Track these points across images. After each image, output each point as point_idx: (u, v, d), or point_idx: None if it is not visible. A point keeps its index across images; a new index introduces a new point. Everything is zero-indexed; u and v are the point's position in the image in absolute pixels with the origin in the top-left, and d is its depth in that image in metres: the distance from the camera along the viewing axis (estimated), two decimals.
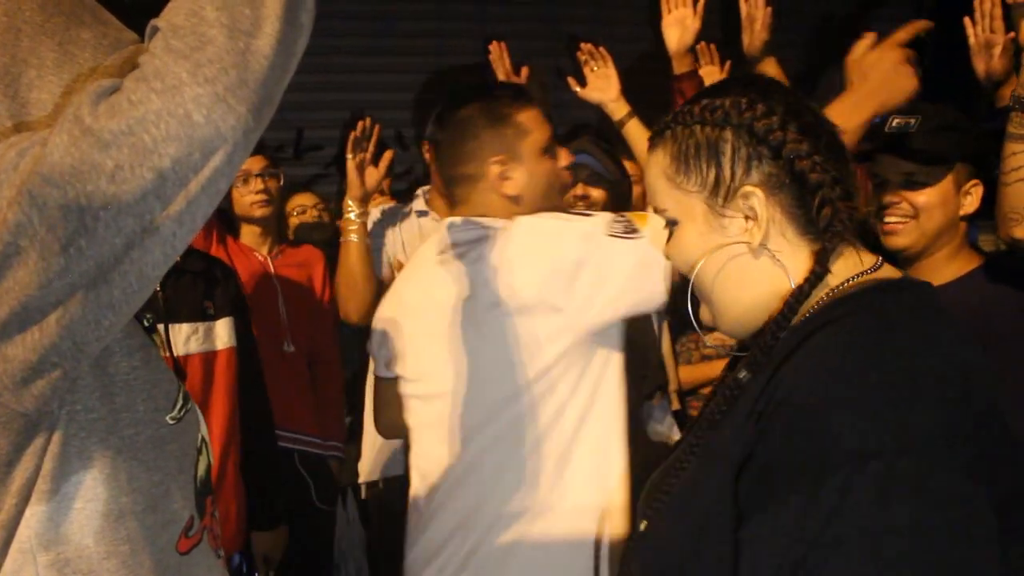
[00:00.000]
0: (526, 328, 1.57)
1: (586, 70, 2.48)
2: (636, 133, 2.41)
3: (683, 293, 1.06)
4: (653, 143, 1.06)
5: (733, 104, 0.98)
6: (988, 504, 0.81)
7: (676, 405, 2.74)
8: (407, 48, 3.83)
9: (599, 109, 2.48)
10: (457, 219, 1.68)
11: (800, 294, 0.96)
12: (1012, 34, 2.08)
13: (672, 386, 2.76)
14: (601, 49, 2.46)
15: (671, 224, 1.05)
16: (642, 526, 1.01)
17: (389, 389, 1.81)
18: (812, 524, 0.80)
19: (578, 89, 2.47)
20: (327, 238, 3.24)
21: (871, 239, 1.68)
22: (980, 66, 2.19)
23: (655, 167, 1.05)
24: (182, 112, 0.74)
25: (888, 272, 1.00)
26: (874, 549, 0.78)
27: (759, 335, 1.00)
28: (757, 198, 0.97)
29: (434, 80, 3.78)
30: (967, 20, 2.19)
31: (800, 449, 0.83)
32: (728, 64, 2.81)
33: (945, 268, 1.72)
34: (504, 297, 1.57)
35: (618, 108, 2.40)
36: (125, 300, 0.81)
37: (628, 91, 2.47)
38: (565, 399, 1.59)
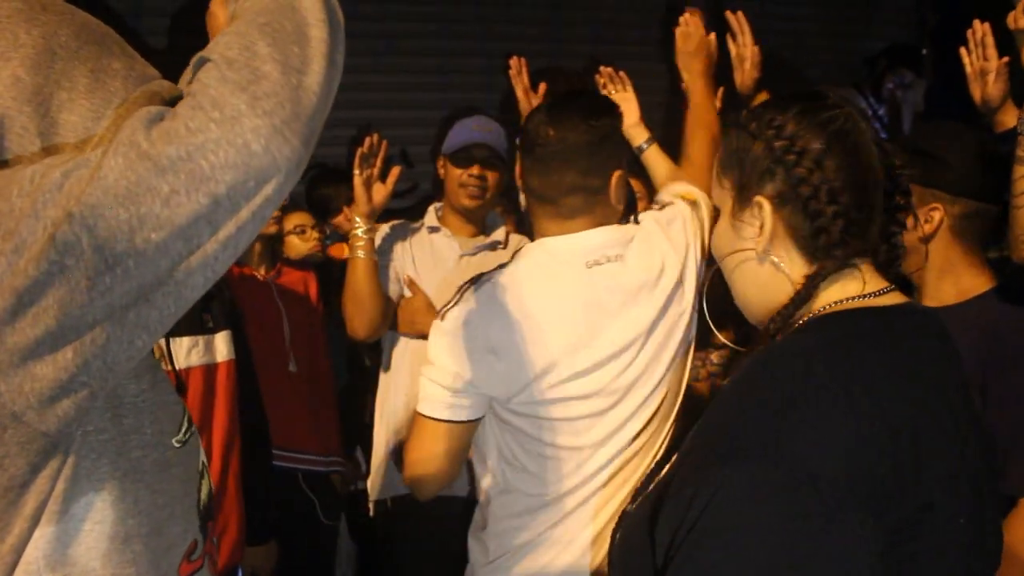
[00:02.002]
0: (678, 313, 1.67)
1: (604, 94, 2.47)
2: (655, 160, 2.38)
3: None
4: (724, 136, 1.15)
5: (767, 120, 1.05)
6: (861, 527, 0.85)
7: None
8: (411, 66, 3.85)
9: None
10: (597, 230, 1.65)
11: (785, 312, 1.03)
12: (1006, 59, 2.10)
13: None
14: (621, 73, 2.47)
15: (716, 210, 1.15)
16: (630, 507, 1.10)
17: (466, 430, 1.61)
18: (691, 513, 0.87)
19: None
20: (324, 256, 3.26)
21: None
22: (976, 93, 2.20)
23: (717, 158, 1.14)
24: (241, 142, 0.77)
25: (890, 299, 1.03)
26: (727, 545, 0.84)
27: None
28: (765, 209, 1.04)
29: (438, 98, 3.80)
30: (962, 50, 2.18)
31: (704, 443, 0.93)
32: (721, 91, 2.83)
33: (941, 290, 1.73)
34: (668, 290, 1.66)
35: (638, 134, 2.36)
36: (161, 321, 0.83)
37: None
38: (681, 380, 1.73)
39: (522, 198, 1.74)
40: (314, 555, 2.90)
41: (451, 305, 1.62)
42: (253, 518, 2.25)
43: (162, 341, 1.92)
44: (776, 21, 4.22)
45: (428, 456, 1.61)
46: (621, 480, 1.63)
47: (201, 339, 2.08)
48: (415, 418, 1.63)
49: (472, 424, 1.62)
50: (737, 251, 1.09)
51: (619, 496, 1.62)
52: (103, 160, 0.78)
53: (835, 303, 1.02)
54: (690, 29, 2.23)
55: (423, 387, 1.61)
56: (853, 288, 1.02)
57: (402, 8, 3.84)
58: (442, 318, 1.62)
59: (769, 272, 1.06)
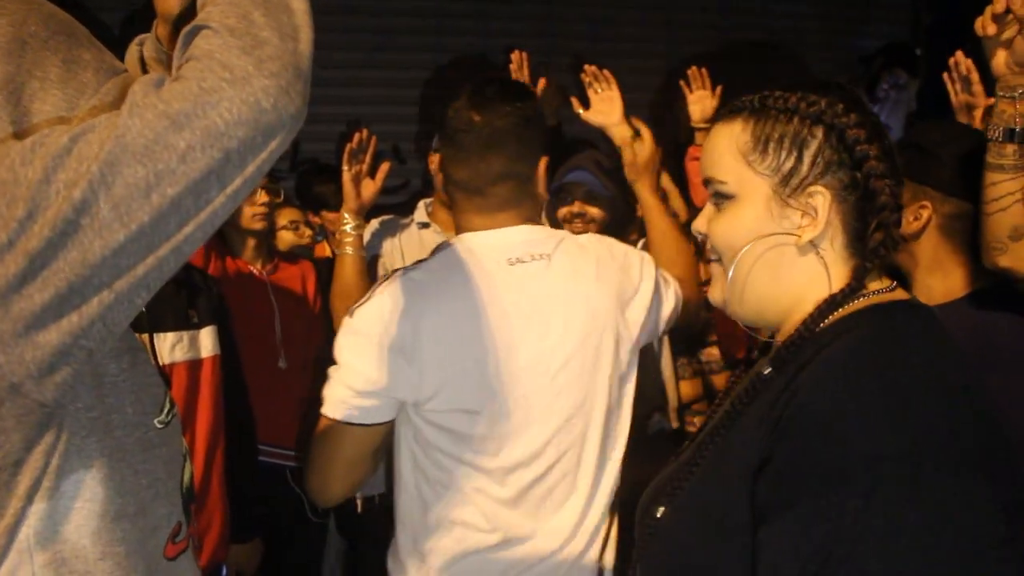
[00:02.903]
0: (611, 336, 1.59)
1: (590, 92, 2.45)
2: None
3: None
4: (729, 115, 1.07)
5: (830, 104, 1.00)
6: (997, 507, 0.84)
7: (675, 424, 2.71)
8: (405, 62, 3.85)
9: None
10: (523, 227, 1.57)
11: (833, 302, 0.99)
12: (992, 100, 2.01)
13: (672, 403, 2.74)
14: (605, 71, 2.45)
15: (723, 198, 1.06)
16: (658, 512, 1.02)
17: (371, 434, 1.50)
18: (833, 527, 0.83)
19: (581, 111, 2.44)
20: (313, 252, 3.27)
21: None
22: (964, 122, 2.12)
23: (727, 139, 1.05)
24: (253, 100, 0.82)
25: (900, 294, 1.03)
26: (893, 550, 0.81)
27: (786, 334, 1.03)
28: (823, 199, 0.99)
29: (431, 94, 3.80)
30: (946, 77, 2.07)
31: (818, 454, 0.86)
32: (720, 89, 2.82)
33: (930, 288, 1.72)
34: (597, 307, 1.57)
35: (620, 132, 2.37)
36: (160, 278, 0.85)
37: (632, 103, 2.48)
38: (617, 411, 1.66)
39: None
40: (302, 552, 2.89)
41: (363, 302, 1.52)
42: (238, 515, 2.24)
43: (145, 336, 1.92)
44: (773, 19, 4.22)
45: (331, 459, 1.51)
46: (552, 503, 1.55)
47: (186, 334, 2.06)
48: (319, 419, 1.53)
49: (378, 428, 1.51)
50: (770, 239, 1.02)
51: (549, 519, 1.54)
52: (117, 120, 0.80)
53: (868, 295, 1.01)
54: (643, 142, 2.06)
55: (328, 387, 1.51)
56: (874, 284, 1.02)
57: (397, 4, 3.84)
58: (351, 315, 1.51)
59: (806, 265, 1.02)
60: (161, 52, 1.25)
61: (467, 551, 1.52)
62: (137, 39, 1.29)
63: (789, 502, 0.86)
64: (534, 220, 1.60)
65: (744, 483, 0.92)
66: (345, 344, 1.50)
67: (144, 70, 1.27)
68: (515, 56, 2.79)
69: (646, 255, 1.71)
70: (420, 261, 1.58)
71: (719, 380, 2.87)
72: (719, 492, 0.96)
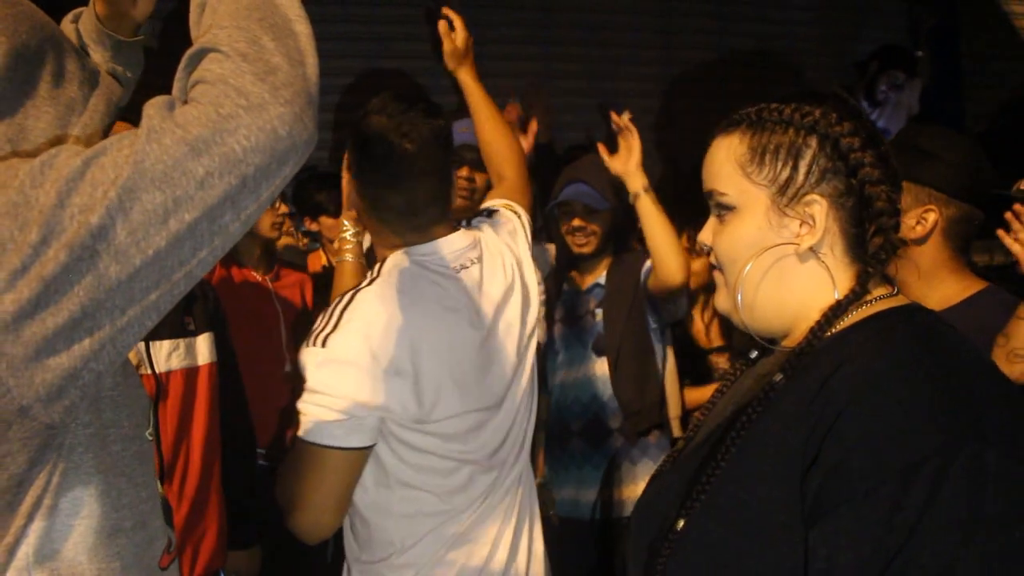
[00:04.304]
0: (533, 311, 1.70)
1: (619, 139, 2.47)
2: (648, 209, 2.39)
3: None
4: (728, 128, 1.08)
5: (824, 114, 1.02)
6: None
7: (678, 432, 2.70)
8: (401, 69, 3.85)
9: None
10: (453, 236, 1.61)
11: (839, 308, 1.00)
12: None
13: (674, 412, 2.73)
14: (628, 120, 2.46)
15: (724, 209, 1.07)
16: (679, 524, 1.00)
17: (367, 455, 1.47)
18: (904, 516, 0.82)
19: (605, 156, 2.49)
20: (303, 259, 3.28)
21: None
22: None
23: (726, 151, 1.07)
24: (269, 127, 0.83)
25: (903, 299, 1.03)
26: (968, 539, 0.81)
27: (795, 341, 1.03)
28: (820, 207, 1.01)
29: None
30: (1002, 234, 1.72)
31: (879, 447, 0.86)
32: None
33: (926, 296, 1.70)
34: (520, 291, 1.69)
35: (634, 181, 2.40)
36: (171, 301, 0.85)
37: (628, 109, 2.50)
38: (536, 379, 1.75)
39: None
40: (302, 559, 2.88)
41: (329, 329, 1.44)
42: (236, 522, 2.24)
43: (141, 344, 1.91)
44: (769, 26, 4.23)
45: (331, 490, 1.44)
46: (517, 490, 1.66)
47: (182, 342, 2.06)
48: (306, 452, 1.43)
49: (370, 450, 1.47)
50: (774, 249, 1.03)
51: (515, 504, 1.65)
52: (134, 144, 0.80)
53: (875, 300, 1.01)
54: (454, 30, 2.11)
55: (313, 416, 1.42)
56: (877, 290, 1.03)
57: (392, 13, 3.84)
58: (324, 345, 1.43)
59: (807, 272, 1.03)
60: (101, 32, 1.24)
61: (454, 547, 1.56)
62: (72, 14, 1.28)
63: (847, 495, 0.86)
64: (455, 227, 1.66)
65: (789, 484, 0.91)
66: (330, 374, 1.42)
67: (82, 45, 1.26)
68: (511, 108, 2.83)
69: (510, 216, 1.80)
70: (372, 280, 1.54)
71: None
72: (753, 496, 0.95)
